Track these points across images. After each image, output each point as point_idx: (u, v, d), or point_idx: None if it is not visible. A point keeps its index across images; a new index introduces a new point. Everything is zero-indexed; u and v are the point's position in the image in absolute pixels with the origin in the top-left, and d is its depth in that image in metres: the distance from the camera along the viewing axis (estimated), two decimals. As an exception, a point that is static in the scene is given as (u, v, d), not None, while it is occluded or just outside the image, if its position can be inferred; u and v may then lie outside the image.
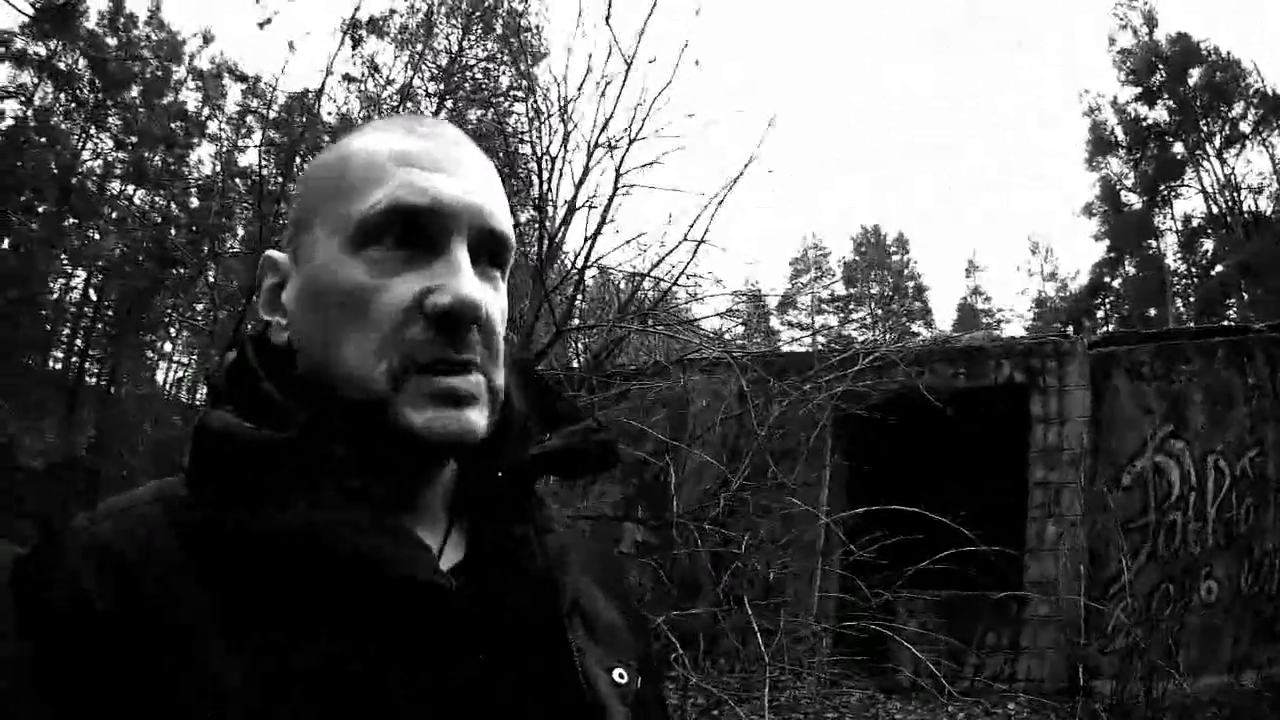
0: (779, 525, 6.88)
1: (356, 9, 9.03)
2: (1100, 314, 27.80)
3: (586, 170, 6.15)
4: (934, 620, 6.10)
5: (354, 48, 12.21)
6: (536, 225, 6.48)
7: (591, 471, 0.67)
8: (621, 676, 0.62)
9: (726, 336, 7.81)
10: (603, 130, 5.90)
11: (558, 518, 0.69)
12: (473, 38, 14.00)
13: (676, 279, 6.41)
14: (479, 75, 13.45)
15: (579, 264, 6.50)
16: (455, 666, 0.53)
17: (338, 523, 0.52)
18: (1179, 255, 25.57)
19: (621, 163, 6.19)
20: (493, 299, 0.59)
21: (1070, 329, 24.57)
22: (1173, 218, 25.40)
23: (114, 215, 19.04)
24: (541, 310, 5.89)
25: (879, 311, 39.07)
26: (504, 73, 12.53)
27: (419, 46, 14.60)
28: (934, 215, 66.38)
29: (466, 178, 0.59)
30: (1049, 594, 6.43)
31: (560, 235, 6.60)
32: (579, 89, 6.00)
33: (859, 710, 5.48)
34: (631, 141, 6.03)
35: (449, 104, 13.44)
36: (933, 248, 79.86)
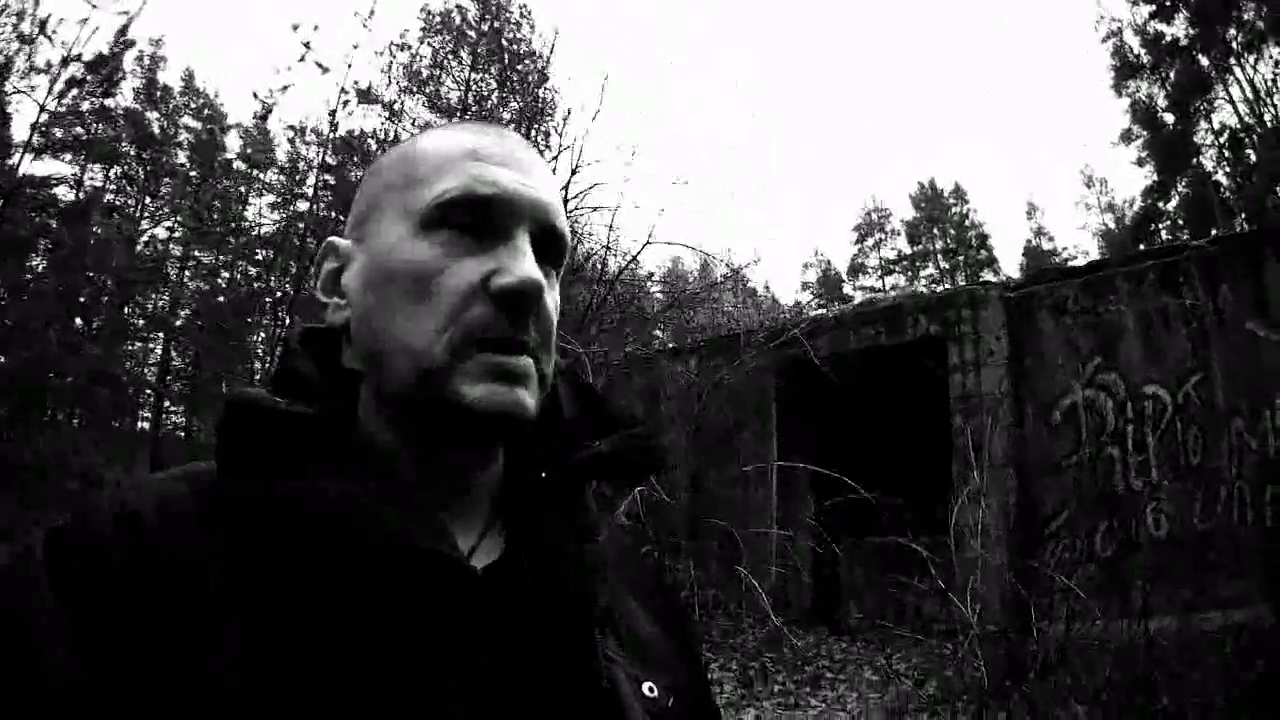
0: (739, 492, 7.54)
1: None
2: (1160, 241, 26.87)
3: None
4: (875, 569, 6.41)
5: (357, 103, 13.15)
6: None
7: (639, 476, 0.67)
8: (651, 690, 0.60)
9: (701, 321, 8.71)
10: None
11: (606, 530, 0.67)
12: (480, 72, 14.72)
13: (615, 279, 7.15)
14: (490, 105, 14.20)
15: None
16: (469, 659, 0.52)
17: (346, 493, 0.52)
18: (1225, 169, 24.58)
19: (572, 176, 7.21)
20: (549, 290, 0.61)
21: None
22: (1212, 132, 24.44)
23: (176, 281, 20.63)
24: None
25: (945, 267, 39.01)
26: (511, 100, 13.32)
27: (429, 87, 15.51)
28: (986, 164, 64.75)
29: (532, 175, 0.61)
30: (977, 539, 6.14)
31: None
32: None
33: (803, 651, 6.00)
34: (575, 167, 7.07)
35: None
36: (990, 195, 78.39)
